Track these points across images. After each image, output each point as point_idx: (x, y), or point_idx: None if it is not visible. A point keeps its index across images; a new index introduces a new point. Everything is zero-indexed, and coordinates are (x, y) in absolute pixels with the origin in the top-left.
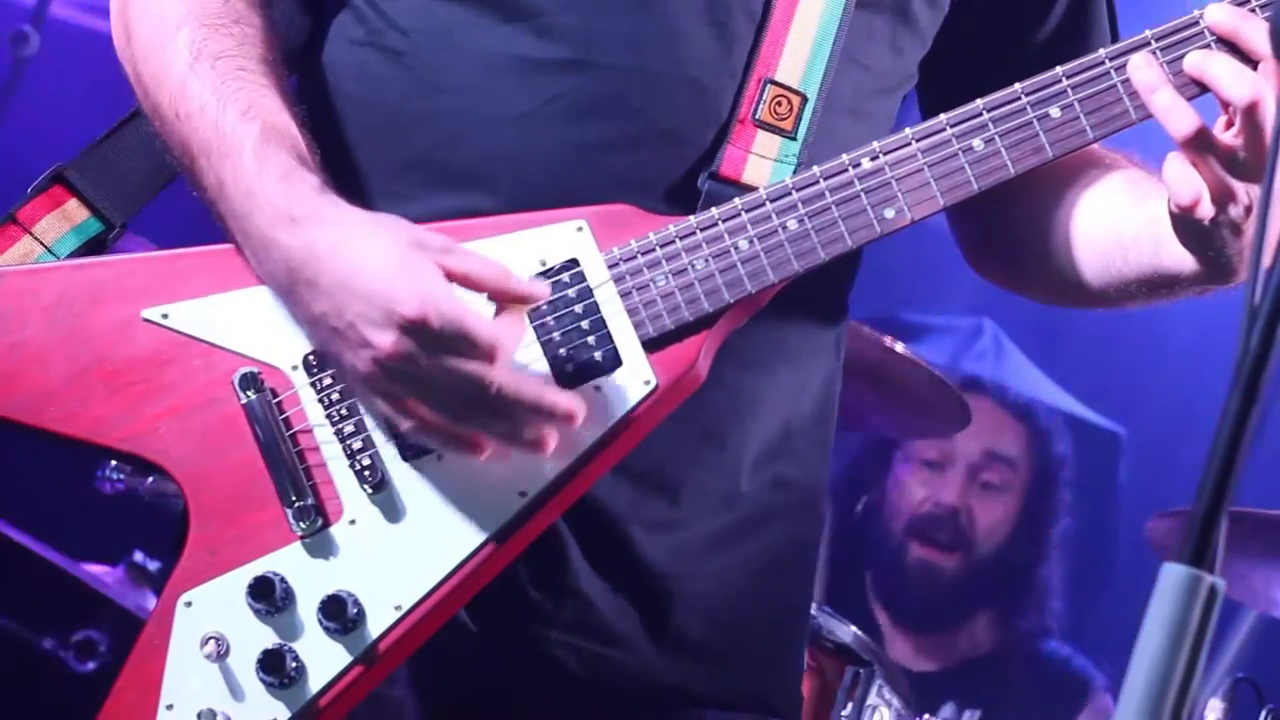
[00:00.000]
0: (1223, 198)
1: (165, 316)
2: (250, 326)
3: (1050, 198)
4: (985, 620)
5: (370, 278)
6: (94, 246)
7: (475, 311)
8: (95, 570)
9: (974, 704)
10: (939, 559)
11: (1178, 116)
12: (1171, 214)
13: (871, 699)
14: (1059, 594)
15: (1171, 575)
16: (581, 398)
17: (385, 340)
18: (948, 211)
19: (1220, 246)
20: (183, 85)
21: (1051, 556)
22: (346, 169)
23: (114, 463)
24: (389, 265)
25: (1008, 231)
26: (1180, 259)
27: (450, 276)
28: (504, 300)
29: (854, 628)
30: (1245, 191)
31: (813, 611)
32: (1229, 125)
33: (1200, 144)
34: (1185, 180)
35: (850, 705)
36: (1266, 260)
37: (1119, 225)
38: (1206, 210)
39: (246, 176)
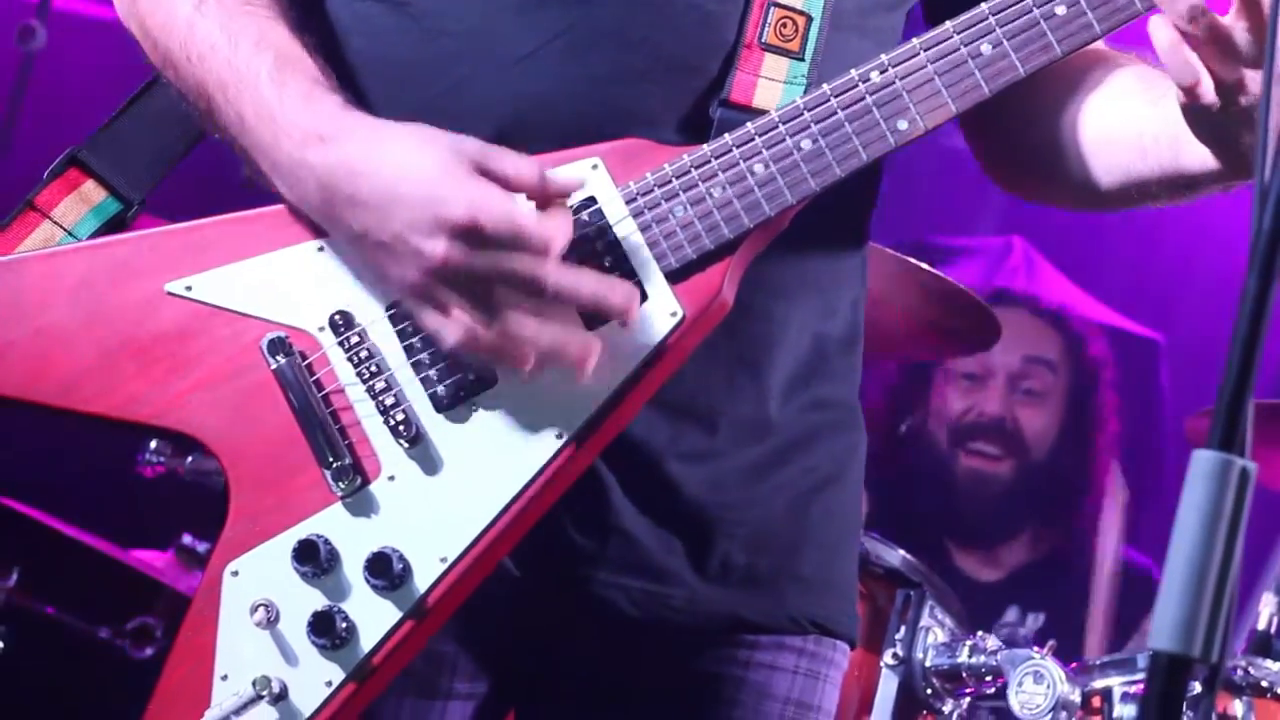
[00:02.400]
0: (1234, 87)
1: (189, 289)
2: (273, 291)
3: (1063, 100)
4: (1041, 527)
5: (413, 186)
6: (114, 226)
7: (523, 210)
8: (145, 556)
9: (1037, 608)
10: (989, 467)
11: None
12: (1183, 106)
13: (924, 620)
14: (1113, 497)
15: (1202, 461)
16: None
17: (437, 248)
18: (962, 126)
19: (1237, 138)
20: (190, 28)
21: (1101, 460)
22: None
23: (153, 445)
24: (430, 172)
25: (1022, 140)
26: (1200, 157)
27: (489, 178)
28: (545, 196)
29: (902, 551)
30: (1255, 80)
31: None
32: (1228, 8)
33: (1204, 27)
34: (1184, 61)
35: (904, 628)
36: (1274, 140)
37: (1136, 126)
38: (1209, 92)
39: (267, 104)
